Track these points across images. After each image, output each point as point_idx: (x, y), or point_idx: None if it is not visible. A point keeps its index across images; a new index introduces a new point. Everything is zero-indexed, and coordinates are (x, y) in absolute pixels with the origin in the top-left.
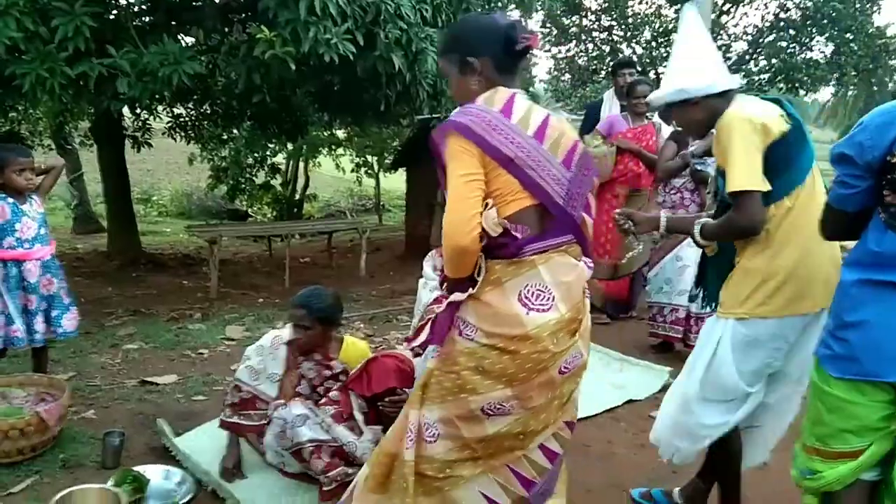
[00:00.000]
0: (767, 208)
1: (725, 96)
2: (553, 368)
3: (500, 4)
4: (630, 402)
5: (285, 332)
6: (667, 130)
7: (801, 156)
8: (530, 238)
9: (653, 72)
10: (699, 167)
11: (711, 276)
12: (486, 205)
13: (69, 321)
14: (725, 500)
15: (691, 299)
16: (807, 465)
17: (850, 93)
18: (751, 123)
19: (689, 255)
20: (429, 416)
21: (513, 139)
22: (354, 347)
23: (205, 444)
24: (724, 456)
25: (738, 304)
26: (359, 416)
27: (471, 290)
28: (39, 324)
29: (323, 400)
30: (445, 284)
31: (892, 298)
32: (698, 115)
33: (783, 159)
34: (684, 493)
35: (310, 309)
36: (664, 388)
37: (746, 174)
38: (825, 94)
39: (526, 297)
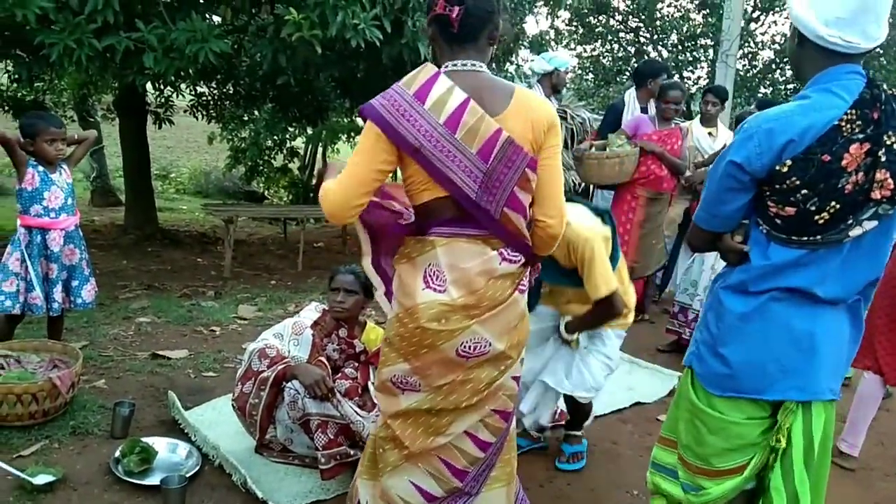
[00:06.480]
0: None
1: None
2: (446, 348)
3: (527, 0)
4: (637, 404)
5: (305, 316)
6: (699, 136)
7: None
8: (442, 221)
9: (678, 76)
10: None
11: None
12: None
13: (88, 292)
14: None
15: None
16: (692, 482)
17: None
18: None
19: (710, 258)
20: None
21: (420, 127)
22: (375, 332)
23: (214, 419)
24: None
25: None
26: (372, 388)
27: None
28: (58, 293)
29: (338, 375)
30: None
31: (775, 314)
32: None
33: None
34: None
35: (357, 275)
36: (671, 393)
37: None
38: None
39: (429, 276)
